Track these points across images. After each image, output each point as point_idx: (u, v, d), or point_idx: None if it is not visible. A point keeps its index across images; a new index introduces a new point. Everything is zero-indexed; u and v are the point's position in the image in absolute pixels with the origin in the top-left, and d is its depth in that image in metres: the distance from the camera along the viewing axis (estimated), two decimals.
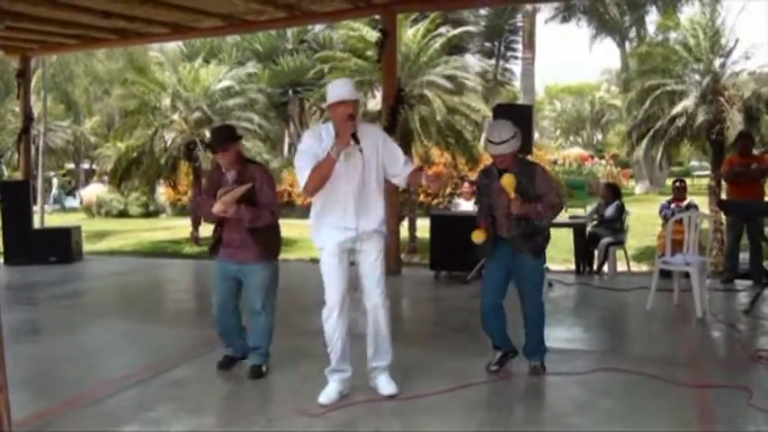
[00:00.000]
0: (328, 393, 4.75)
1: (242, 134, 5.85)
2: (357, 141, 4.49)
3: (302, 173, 4.55)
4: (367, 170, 4.66)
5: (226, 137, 5.22)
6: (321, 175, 4.49)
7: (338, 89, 4.63)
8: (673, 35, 14.94)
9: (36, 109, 17.64)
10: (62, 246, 11.80)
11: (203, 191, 5.43)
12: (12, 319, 7.22)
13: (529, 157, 5.92)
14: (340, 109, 4.53)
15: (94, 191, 29.93)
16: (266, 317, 5.29)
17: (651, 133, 13.86)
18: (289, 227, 18.31)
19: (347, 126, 4.45)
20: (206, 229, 5.37)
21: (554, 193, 5.05)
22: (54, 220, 22.65)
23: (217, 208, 4.95)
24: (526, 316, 5.26)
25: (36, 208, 17.44)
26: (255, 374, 5.29)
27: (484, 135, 27.39)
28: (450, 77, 15.96)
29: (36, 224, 14.70)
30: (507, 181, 4.86)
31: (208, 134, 5.83)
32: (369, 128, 4.86)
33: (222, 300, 5.33)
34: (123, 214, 27.46)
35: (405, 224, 15.40)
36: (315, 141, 4.62)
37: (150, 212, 27.72)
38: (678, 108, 13.28)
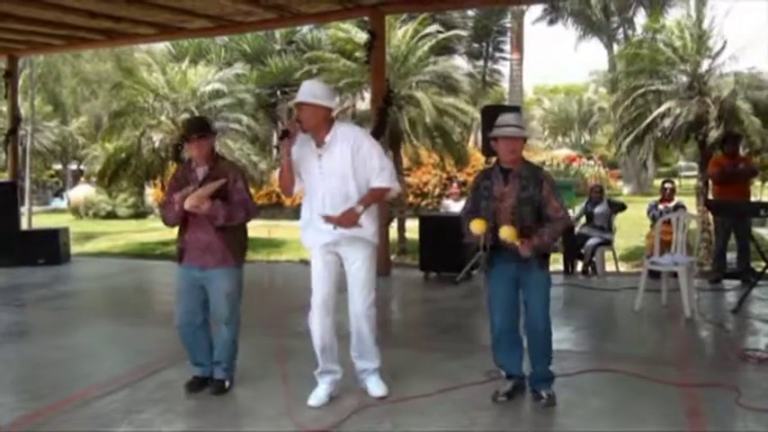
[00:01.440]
0: (318, 395, 4.75)
1: (222, 133, 5.79)
2: (281, 137, 4.55)
3: (276, 174, 4.84)
4: (343, 173, 4.61)
5: (203, 124, 5.03)
6: (280, 177, 4.71)
7: (300, 90, 4.68)
8: (660, 36, 14.96)
9: (23, 110, 17.55)
10: (50, 247, 11.74)
11: (170, 190, 5.00)
12: None
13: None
14: (298, 111, 4.67)
15: (82, 192, 29.75)
16: (231, 329, 5.01)
17: (636, 134, 13.90)
18: (277, 228, 18.27)
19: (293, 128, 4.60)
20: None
21: (562, 210, 4.58)
22: (42, 221, 22.52)
23: (190, 203, 4.66)
24: (532, 335, 4.67)
25: (23, 209, 17.34)
26: (218, 390, 4.99)
27: (472, 137, 27.37)
28: (439, 77, 15.98)
29: (24, 225, 14.63)
30: (508, 233, 4.38)
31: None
32: (348, 130, 4.75)
33: (186, 310, 4.98)
34: (111, 215, 27.31)
35: (394, 225, 15.39)
36: (297, 146, 4.65)
37: (139, 214, 27.58)
38: (661, 108, 13.32)
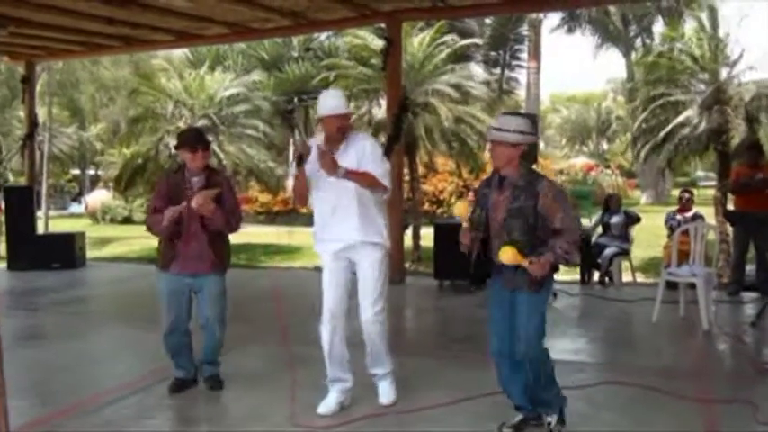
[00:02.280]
0: (328, 403, 4.72)
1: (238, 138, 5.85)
2: (299, 163, 4.60)
3: (289, 185, 4.73)
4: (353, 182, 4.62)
5: (203, 136, 5.17)
6: (295, 190, 4.75)
7: (320, 102, 4.74)
8: (678, 45, 14.87)
9: (42, 115, 17.67)
10: (66, 251, 11.79)
11: (158, 198, 5.08)
12: (13, 325, 7.21)
13: (535, 167, 4.74)
14: (320, 123, 4.77)
15: (99, 197, 29.94)
16: (221, 328, 5.17)
17: (655, 143, 13.81)
18: (293, 234, 18.26)
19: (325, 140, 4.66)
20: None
21: (573, 221, 4.14)
22: (59, 225, 22.65)
23: (197, 202, 4.78)
24: (522, 362, 4.27)
25: (40, 213, 17.44)
26: (217, 385, 5.21)
27: (489, 145, 27.44)
28: (455, 86, 15.94)
29: (40, 229, 14.70)
30: (509, 256, 3.98)
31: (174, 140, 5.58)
32: (359, 138, 4.82)
33: (176, 317, 5.08)
34: (128, 221, 27.42)
35: (408, 233, 15.34)
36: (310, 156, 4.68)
37: None
38: (680, 118, 13.23)
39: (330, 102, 4.71)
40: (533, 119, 9.99)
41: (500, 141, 4.12)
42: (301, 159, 4.61)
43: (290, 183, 4.87)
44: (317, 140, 4.73)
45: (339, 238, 4.66)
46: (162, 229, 4.95)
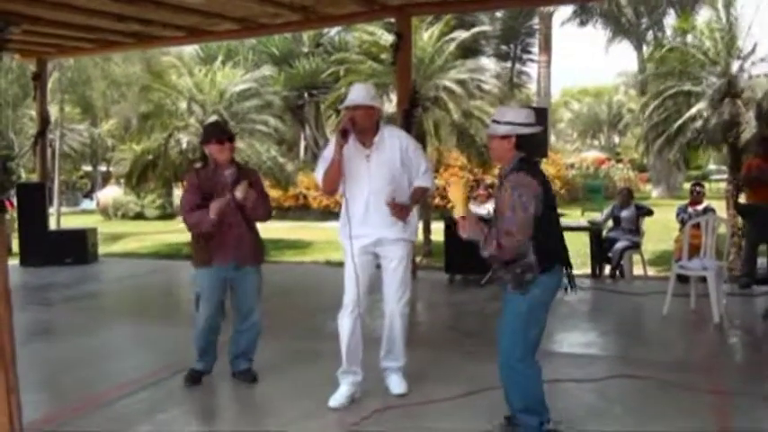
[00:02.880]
0: (338, 397, 4.75)
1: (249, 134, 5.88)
2: (343, 137, 4.53)
3: (318, 174, 4.81)
4: (392, 173, 4.70)
5: (229, 129, 5.25)
6: (326, 175, 4.70)
7: (350, 94, 4.76)
8: (690, 38, 14.77)
9: (54, 112, 17.76)
10: (78, 247, 11.87)
11: (191, 195, 5.00)
12: (26, 320, 7.26)
13: (544, 161, 4.55)
14: (347, 113, 4.73)
15: (111, 193, 30.06)
16: (258, 318, 5.23)
17: (666, 136, 13.74)
18: (303, 230, 18.29)
19: (351, 129, 4.60)
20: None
21: (509, 221, 3.81)
22: (71, 222, 22.77)
23: (242, 192, 4.80)
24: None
25: (52, 210, 17.53)
26: (254, 378, 5.21)
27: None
28: (464, 81, 15.91)
29: (52, 226, 14.79)
30: (454, 191, 3.96)
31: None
32: (393, 131, 4.91)
33: (215, 311, 5.13)
34: (139, 216, 27.55)
35: (420, 227, 15.36)
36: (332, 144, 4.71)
37: (167, 215, 27.79)
38: (692, 111, 13.15)
39: (361, 92, 4.72)
40: (541, 111, 9.98)
41: (491, 134, 4.06)
42: (346, 134, 4.55)
43: (319, 168, 4.78)
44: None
45: (370, 234, 4.70)
46: (210, 223, 4.85)
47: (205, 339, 5.16)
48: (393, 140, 4.75)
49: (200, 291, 5.17)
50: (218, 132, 5.11)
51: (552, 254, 4.01)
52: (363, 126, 4.68)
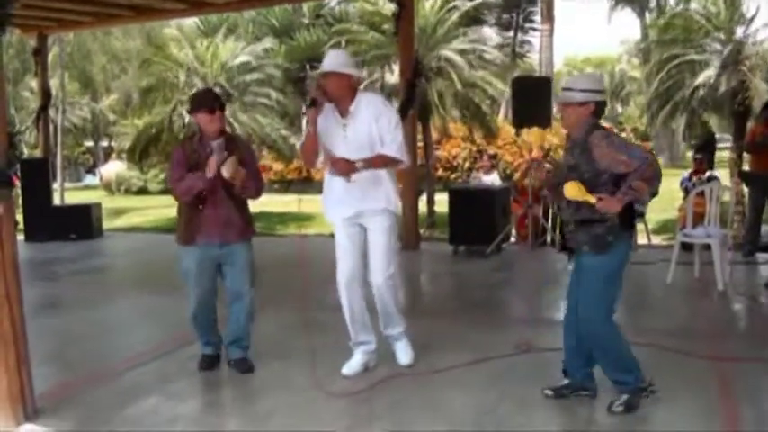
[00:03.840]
0: (351, 365, 4.80)
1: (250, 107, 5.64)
2: (312, 105, 4.44)
3: (299, 145, 4.74)
4: (370, 142, 4.58)
5: (218, 96, 4.83)
6: (303, 147, 4.62)
7: (323, 60, 4.66)
8: (693, 5, 14.66)
9: (54, 87, 17.70)
10: (82, 222, 11.90)
11: (178, 166, 4.69)
12: (33, 295, 7.28)
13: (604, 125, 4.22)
14: (319, 79, 4.63)
15: (114, 168, 30.10)
16: (250, 299, 4.88)
17: (671, 105, 13.69)
18: (307, 202, 18.31)
19: (321, 98, 4.51)
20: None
21: (636, 160, 3.79)
22: (74, 197, 22.81)
23: (229, 170, 4.47)
24: (579, 336, 4.18)
25: (56, 186, 17.55)
26: (248, 369, 4.91)
27: (502, 110, 27.10)
28: (467, 51, 15.83)
29: (56, 201, 14.81)
30: (573, 189, 3.84)
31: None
32: (370, 99, 4.71)
33: (205, 291, 4.79)
34: (143, 191, 27.61)
35: (423, 199, 15.37)
36: (321, 117, 4.58)
37: (169, 189, 27.84)
38: (700, 79, 13.09)
39: (334, 59, 4.61)
40: (544, 81, 9.93)
41: (567, 103, 4.02)
42: (315, 103, 4.44)
43: (298, 144, 4.79)
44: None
45: (350, 205, 4.63)
46: (205, 183, 4.54)
47: (197, 322, 4.90)
48: (369, 109, 4.58)
49: (184, 271, 4.78)
50: (208, 101, 4.70)
51: (631, 217, 4.04)
52: (336, 95, 4.53)
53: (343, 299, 4.77)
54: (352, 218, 4.69)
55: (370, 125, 4.57)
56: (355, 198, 4.62)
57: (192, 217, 4.69)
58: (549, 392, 4.31)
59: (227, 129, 5.13)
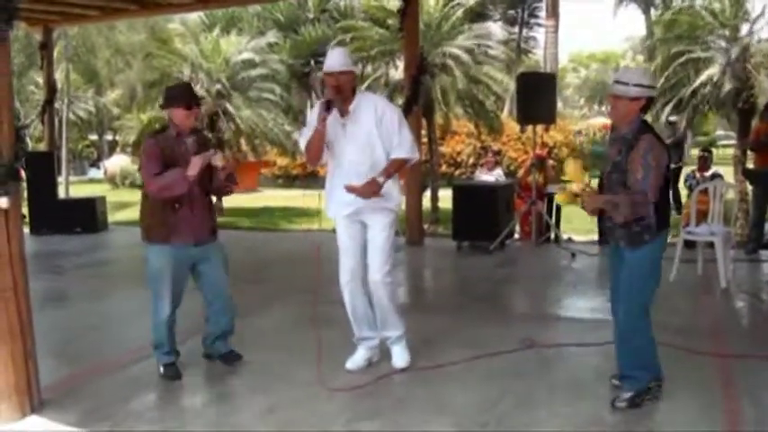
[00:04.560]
0: (355, 359, 4.82)
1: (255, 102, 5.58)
2: (328, 109, 4.43)
3: (301, 143, 4.71)
4: (369, 141, 4.59)
5: (195, 93, 4.74)
6: (309, 145, 4.58)
7: (328, 60, 4.63)
8: (698, 1, 14.62)
9: (59, 81, 17.73)
10: (87, 216, 11.94)
11: (153, 162, 4.46)
12: (38, 288, 7.26)
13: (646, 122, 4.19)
14: (327, 80, 4.60)
15: (118, 162, 30.11)
16: (230, 295, 4.88)
17: (675, 101, 13.67)
18: (311, 198, 18.34)
19: (335, 98, 4.50)
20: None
21: (642, 183, 3.84)
22: (79, 190, 22.85)
23: (222, 159, 4.52)
24: (616, 329, 4.27)
25: (60, 179, 17.58)
26: (237, 359, 4.96)
27: (506, 106, 27.12)
28: (471, 47, 15.82)
29: (61, 195, 14.84)
30: (571, 169, 3.98)
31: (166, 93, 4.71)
32: (370, 99, 4.72)
33: (180, 293, 4.68)
34: None
35: (427, 194, 15.38)
36: (318, 111, 4.57)
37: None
38: (703, 77, 13.07)
39: (342, 58, 4.61)
40: (549, 77, 9.93)
41: (619, 95, 4.00)
42: (329, 106, 4.45)
43: (302, 137, 4.66)
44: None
45: (352, 202, 4.61)
46: (187, 182, 4.41)
47: (167, 327, 4.71)
48: (368, 108, 4.59)
49: (156, 272, 4.60)
50: (187, 96, 4.59)
51: (668, 215, 4.14)
52: (347, 93, 4.57)
53: (345, 296, 4.78)
54: (352, 215, 4.69)
55: (370, 125, 4.57)
56: (355, 196, 4.60)
57: (168, 217, 4.55)
58: (617, 382, 4.32)
59: (231, 124, 5.12)
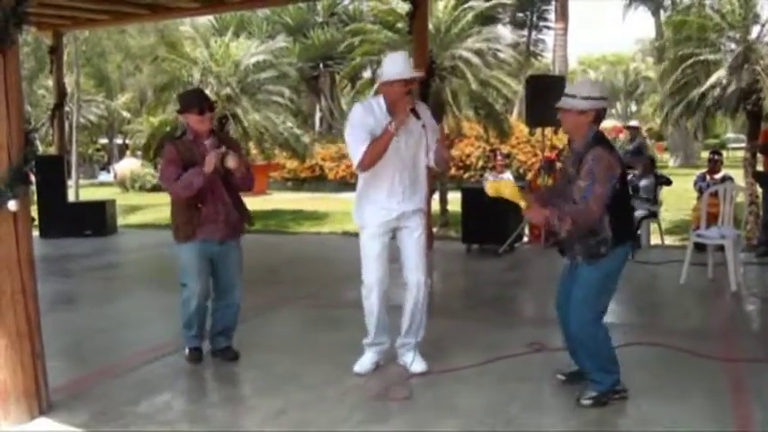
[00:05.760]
0: (363, 363, 4.81)
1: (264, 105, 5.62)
2: (417, 117, 4.42)
3: (356, 147, 4.46)
4: (419, 148, 4.60)
5: (209, 97, 4.94)
6: (378, 151, 4.41)
7: (398, 67, 4.49)
8: (708, 2, 14.53)
9: (69, 85, 17.80)
10: (97, 219, 11.99)
11: (171, 166, 4.72)
12: (48, 291, 7.34)
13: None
14: (397, 86, 4.44)
15: (128, 165, 30.21)
16: (239, 296, 5.08)
17: (685, 104, 13.61)
18: (320, 201, 18.36)
19: (404, 102, 4.40)
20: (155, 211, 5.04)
21: (587, 198, 3.88)
22: (89, 194, 22.94)
23: (234, 161, 4.62)
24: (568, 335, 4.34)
25: (70, 182, 17.66)
26: (236, 356, 5.09)
27: (516, 109, 27.06)
28: (481, 50, 15.80)
29: (71, 198, 14.90)
30: (506, 192, 4.13)
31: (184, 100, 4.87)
32: (421, 104, 4.67)
33: (205, 285, 4.91)
34: (157, 188, 27.63)
35: (436, 197, 15.36)
36: (367, 115, 4.52)
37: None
38: (712, 79, 13.01)
39: (397, 68, 4.48)
40: (558, 80, 9.92)
41: (567, 109, 4.04)
42: (416, 114, 4.42)
43: (358, 143, 4.44)
44: (378, 102, 4.57)
45: (395, 209, 4.61)
46: (203, 179, 4.62)
47: (198, 316, 5.00)
48: (421, 114, 4.50)
49: (185, 267, 4.91)
50: (199, 101, 4.81)
51: (627, 229, 4.19)
52: (397, 102, 4.46)
53: (372, 303, 4.73)
54: (388, 222, 4.65)
55: (421, 135, 4.54)
56: (399, 201, 4.62)
57: (192, 216, 4.80)
58: (561, 377, 4.47)
59: (239, 127, 5.21)
